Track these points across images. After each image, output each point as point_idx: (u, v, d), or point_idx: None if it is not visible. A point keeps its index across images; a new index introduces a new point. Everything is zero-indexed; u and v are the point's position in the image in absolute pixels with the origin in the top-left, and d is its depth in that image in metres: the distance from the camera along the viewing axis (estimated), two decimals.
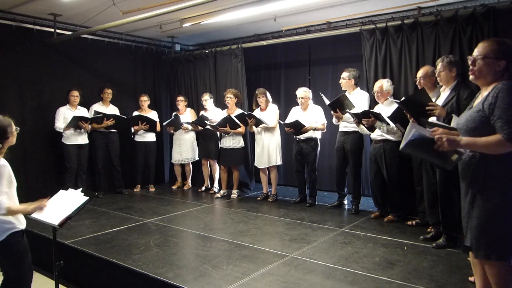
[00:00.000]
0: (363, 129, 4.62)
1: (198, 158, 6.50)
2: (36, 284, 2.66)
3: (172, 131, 6.48)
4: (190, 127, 6.33)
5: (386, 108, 4.35)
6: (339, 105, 4.66)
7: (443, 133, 2.16)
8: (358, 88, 4.94)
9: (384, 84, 4.42)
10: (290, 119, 5.28)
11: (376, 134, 4.44)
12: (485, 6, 4.16)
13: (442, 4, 4.68)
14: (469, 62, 2.22)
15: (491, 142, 2.03)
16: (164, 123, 6.45)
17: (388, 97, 4.43)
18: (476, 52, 2.19)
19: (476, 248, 2.13)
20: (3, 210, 2.41)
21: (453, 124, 3.03)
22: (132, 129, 6.33)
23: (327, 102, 4.72)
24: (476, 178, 2.13)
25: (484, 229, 2.10)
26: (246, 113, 5.53)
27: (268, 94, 5.59)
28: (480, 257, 2.16)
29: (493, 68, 2.13)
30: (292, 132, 5.21)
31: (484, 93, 2.18)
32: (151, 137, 6.41)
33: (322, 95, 4.82)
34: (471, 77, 2.23)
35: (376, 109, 4.52)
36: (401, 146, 2.28)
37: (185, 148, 6.45)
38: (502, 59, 2.11)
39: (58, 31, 5.66)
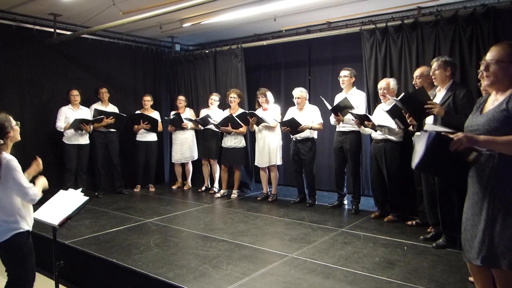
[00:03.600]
0: (364, 130, 4.63)
1: (196, 158, 6.50)
2: (36, 284, 2.66)
3: (173, 130, 6.48)
4: (190, 124, 6.33)
5: (388, 108, 4.34)
6: (340, 109, 4.68)
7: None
8: (355, 87, 4.94)
9: (391, 82, 4.43)
10: (286, 119, 5.28)
11: (378, 133, 4.44)
12: (485, 6, 4.16)
13: (442, 4, 4.68)
14: (482, 67, 2.15)
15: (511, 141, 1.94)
16: (166, 118, 6.46)
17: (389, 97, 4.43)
18: (489, 56, 2.12)
19: (491, 255, 2.00)
20: (38, 196, 2.50)
21: (427, 127, 2.91)
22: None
23: (329, 106, 4.74)
24: (495, 179, 2.03)
25: (501, 235, 1.98)
26: (247, 111, 5.53)
27: (269, 94, 5.59)
28: (493, 265, 2.02)
29: (508, 72, 2.06)
30: (288, 131, 5.21)
31: (500, 96, 2.11)
32: (152, 137, 6.41)
33: (323, 99, 4.83)
34: (485, 82, 2.16)
35: (378, 109, 4.53)
36: (415, 162, 2.17)
37: (185, 147, 6.45)
38: None
39: (58, 31, 5.67)
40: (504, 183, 2.01)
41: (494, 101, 2.15)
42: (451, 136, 2.01)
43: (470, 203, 2.15)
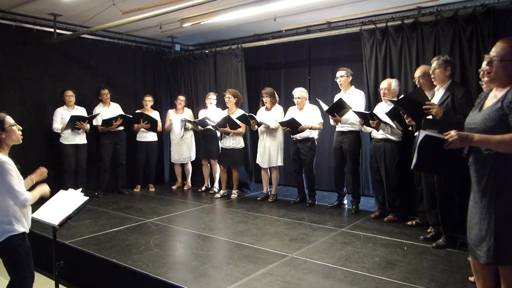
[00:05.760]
0: (366, 129, 4.63)
1: (194, 158, 6.49)
2: (36, 284, 2.65)
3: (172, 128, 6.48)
4: (190, 126, 6.34)
5: (387, 108, 4.34)
6: (336, 109, 4.67)
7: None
8: (353, 86, 4.94)
9: (392, 83, 4.41)
10: (286, 119, 5.28)
11: (379, 133, 4.44)
12: (485, 6, 4.16)
13: (442, 4, 4.68)
14: (485, 62, 2.13)
15: (506, 140, 1.94)
16: (182, 120, 6.35)
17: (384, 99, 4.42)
18: (493, 52, 2.09)
19: (500, 253, 2.00)
20: (29, 202, 2.46)
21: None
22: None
23: (325, 108, 4.75)
24: (494, 178, 2.02)
25: (508, 232, 1.98)
26: (247, 114, 5.53)
27: (275, 94, 5.57)
28: (503, 262, 2.03)
29: (510, 71, 2.05)
30: (288, 131, 5.20)
31: (498, 93, 2.10)
32: (152, 137, 6.41)
33: (319, 100, 4.85)
34: (486, 79, 2.15)
35: (377, 109, 4.53)
36: (413, 163, 2.23)
37: (182, 148, 6.45)
38: None
39: (58, 31, 5.66)
40: (503, 182, 2.01)
41: (493, 97, 2.14)
42: (445, 136, 2.03)
43: (473, 202, 2.16)
